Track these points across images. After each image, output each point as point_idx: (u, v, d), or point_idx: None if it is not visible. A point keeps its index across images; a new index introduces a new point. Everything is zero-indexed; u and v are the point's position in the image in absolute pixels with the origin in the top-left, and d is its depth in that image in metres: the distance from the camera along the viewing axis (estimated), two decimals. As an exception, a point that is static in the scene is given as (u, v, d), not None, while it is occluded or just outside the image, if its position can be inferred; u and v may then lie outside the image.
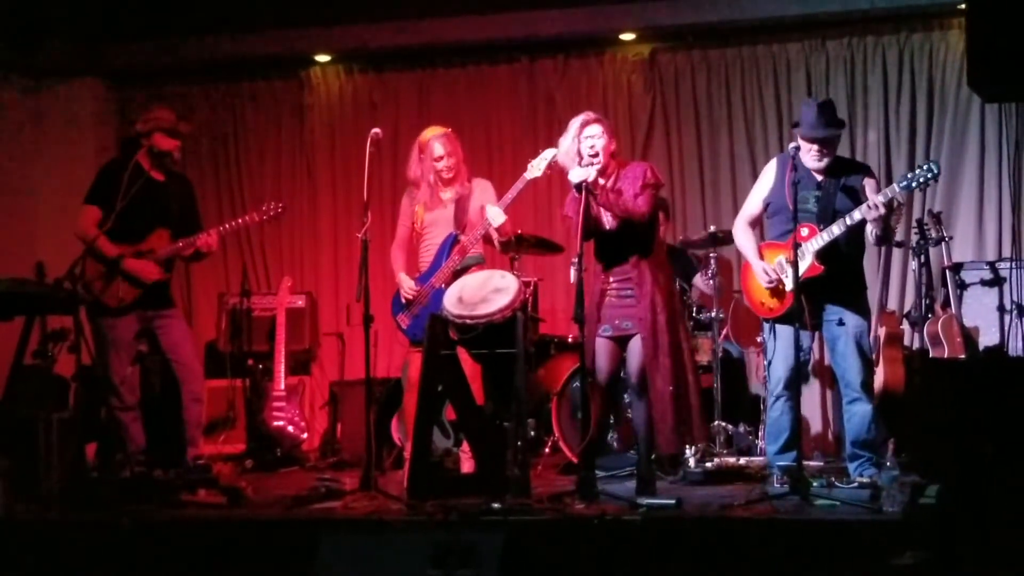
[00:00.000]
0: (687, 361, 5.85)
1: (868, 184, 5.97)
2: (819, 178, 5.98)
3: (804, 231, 5.84)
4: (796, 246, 5.64)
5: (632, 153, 8.46)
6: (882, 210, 5.73)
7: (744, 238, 6.19)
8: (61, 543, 5.33)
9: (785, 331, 5.85)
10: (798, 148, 5.83)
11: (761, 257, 6.05)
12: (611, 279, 5.85)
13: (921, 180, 5.75)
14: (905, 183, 5.79)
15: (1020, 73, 4.76)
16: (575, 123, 5.83)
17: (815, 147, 5.93)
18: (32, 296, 6.00)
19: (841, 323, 5.92)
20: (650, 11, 8.26)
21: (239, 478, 6.83)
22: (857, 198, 5.89)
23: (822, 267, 5.85)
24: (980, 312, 7.09)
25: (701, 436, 6.14)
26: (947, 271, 7.10)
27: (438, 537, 4.74)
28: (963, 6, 5.44)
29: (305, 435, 8.05)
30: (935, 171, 5.75)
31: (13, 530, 5.44)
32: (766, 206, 6.11)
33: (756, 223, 6.27)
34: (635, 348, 5.80)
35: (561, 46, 8.65)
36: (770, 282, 5.94)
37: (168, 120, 6.70)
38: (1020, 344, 6.66)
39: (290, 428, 7.95)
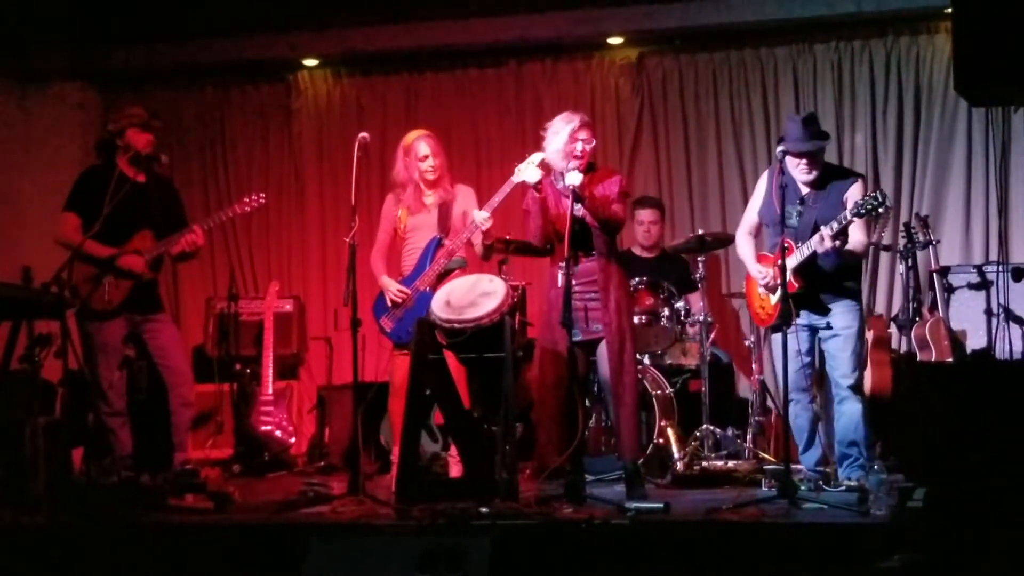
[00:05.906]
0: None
1: (852, 190, 5.93)
2: (804, 191, 5.99)
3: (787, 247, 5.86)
4: (783, 248, 5.66)
5: (620, 157, 8.47)
6: (828, 244, 5.72)
7: (744, 247, 6.24)
8: (47, 549, 5.30)
9: (788, 337, 5.88)
10: (785, 152, 5.83)
11: None
12: (575, 282, 5.77)
13: (868, 208, 5.64)
14: (855, 210, 5.70)
15: (1006, 77, 4.77)
16: (569, 124, 5.86)
17: (803, 161, 5.94)
18: (18, 300, 5.97)
19: (832, 324, 5.95)
20: (638, 15, 8.26)
21: (227, 483, 6.80)
22: (845, 207, 5.88)
23: (798, 285, 5.85)
24: (967, 315, 7.10)
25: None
26: (934, 274, 7.11)
27: (426, 541, 4.74)
28: (949, 10, 5.44)
29: (293, 439, 8.02)
30: (880, 199, 5.60)
31: (-1, 536, 5.42)
32: (761, 218, 6.17)
33: (756, 233, 6.29)
34: (605, 352, 5.82)
35: (549, 50, 8.65)
36: (764, 278, 5.97)
37: (139, 116, 6.65)
38: (1007, 347, 6.67)
39: (278, 432, 7.93)
